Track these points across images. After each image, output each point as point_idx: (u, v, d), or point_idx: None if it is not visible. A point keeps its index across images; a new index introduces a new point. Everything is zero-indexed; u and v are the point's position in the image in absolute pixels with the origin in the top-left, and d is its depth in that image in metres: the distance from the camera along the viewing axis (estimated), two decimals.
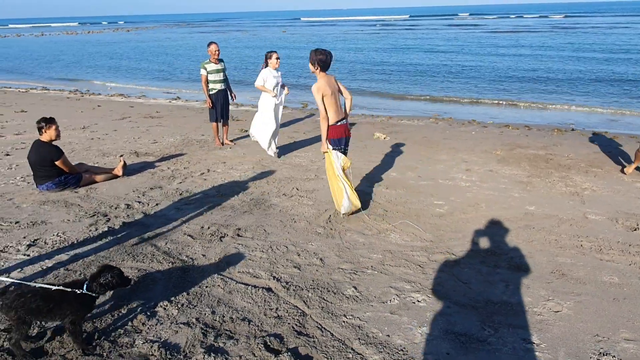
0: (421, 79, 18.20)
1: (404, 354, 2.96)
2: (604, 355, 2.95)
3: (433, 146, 8.45)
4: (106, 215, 5.17)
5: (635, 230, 4.75)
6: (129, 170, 6.77)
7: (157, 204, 5.55)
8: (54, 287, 2.83)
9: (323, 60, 4.89)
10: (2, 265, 4.02)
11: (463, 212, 5.33)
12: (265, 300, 3.54)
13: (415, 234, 4.74)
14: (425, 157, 7.70)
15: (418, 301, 3.54)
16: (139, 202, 5.58)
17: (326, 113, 4.86)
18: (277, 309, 3.44)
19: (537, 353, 2.98)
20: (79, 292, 2.86)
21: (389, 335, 3.14)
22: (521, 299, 3.56)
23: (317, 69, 4.93)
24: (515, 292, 3.67)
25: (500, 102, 13.80)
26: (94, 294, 2.93)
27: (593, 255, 4.25)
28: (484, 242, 4.57)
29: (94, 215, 5.16)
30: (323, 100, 4.83)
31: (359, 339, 3.09)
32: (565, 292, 3.66)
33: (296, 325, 3.25)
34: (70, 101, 14.33)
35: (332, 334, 3.14)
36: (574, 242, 4.53)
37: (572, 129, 9.99)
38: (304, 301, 3.53)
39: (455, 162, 7.35)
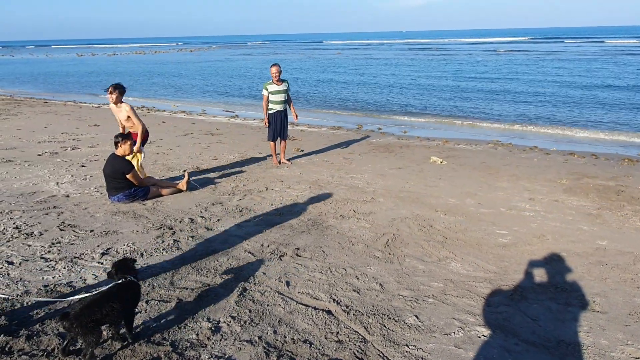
0: (478, 104, 17.82)
1: None
2: None
3: (493, 172, 8.21)
4: (171, 229, 5.40)
5: None
6: (192, 185, 7.05)
7: (218, 220, 5.73)
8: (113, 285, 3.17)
9: (124, 91, 7.01)
10: (79, 272, 4.28)
11: (528, 243, 5.11)
12: (325, 323, 3.54)
13: (478, 264, 4.60)
14: (484, 183, 7.49)
15: (484, 335, 3.41)
16: (202, 217, 5.78)
17: (143, 126, 6.97)
18: (337, 333, 3.43)
19: None
20: (128, 279, 3.25)
21: None
22: (596, 342, 3.35)
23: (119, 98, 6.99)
24: (590, 333, 3.46)
25: (564, 129, 13.24)
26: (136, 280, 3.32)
27: None
28: (552, 277, 4.35)
29: (160, 228, 5.40)
30: (139, 117, 6.97)
31: None
32: None
33: (357, 351, 3.22)
34: None
35: None
36: None
37: None
38: (364, 327, 3.50)
39: (517, 190, 7.10)
